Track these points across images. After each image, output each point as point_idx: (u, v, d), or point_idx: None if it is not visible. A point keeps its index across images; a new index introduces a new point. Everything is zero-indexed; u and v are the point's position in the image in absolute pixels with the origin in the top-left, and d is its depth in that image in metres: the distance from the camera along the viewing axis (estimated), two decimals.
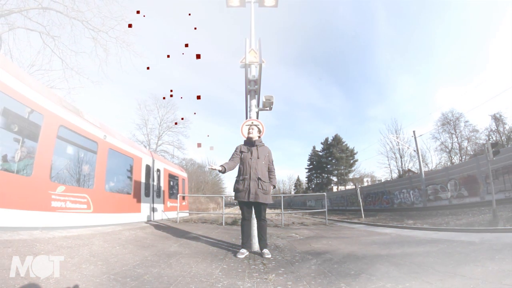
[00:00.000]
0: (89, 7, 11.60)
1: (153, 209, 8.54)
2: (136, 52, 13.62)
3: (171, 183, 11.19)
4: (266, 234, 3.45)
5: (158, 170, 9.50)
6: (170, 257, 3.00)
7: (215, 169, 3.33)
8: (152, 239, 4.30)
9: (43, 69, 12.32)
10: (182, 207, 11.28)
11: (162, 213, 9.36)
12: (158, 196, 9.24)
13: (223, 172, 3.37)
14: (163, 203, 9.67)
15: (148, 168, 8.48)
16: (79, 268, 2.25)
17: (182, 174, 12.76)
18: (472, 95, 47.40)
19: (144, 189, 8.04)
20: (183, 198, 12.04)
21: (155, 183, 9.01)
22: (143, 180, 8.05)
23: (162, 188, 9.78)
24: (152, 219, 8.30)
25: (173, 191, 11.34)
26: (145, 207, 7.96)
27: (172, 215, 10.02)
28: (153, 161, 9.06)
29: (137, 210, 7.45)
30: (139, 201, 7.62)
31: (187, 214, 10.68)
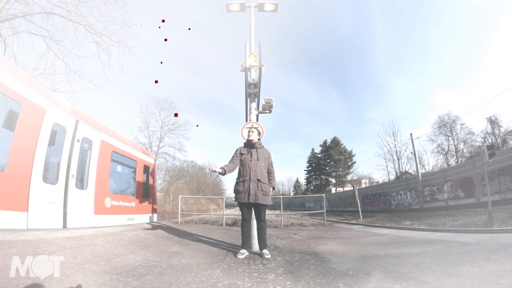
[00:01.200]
0: (92, 12, 11.71)
1: (66, 208, 4.83)
2: (138, 56, 13.69)
3: (120, 168, 7.01)
4: (265, 234, 3.49)
5: (87, 141, 5.55)
6: (172, 257, 3.03)
7: (215, 171, 3.36)
8: (154, 240, 4.32)
9: (47, 73, 12.48)
10: (145, 209, 7.82)
11: (92, 217, 5.50)
12: (82, 185, 5.33)
13: (223, 174, 3.41)
14: (95, 199, 5.66)
15: (58, 132, 4.82)
16: (82, 268, 2.27)
17: (145, 158, 8.28)
18: (469, 98, 47.90)
19: (44, 169, 4.51)
20: (147, 195, 8.06)
21: (75, 162, 5.12)
22: (40, 150, 4.45)
23: (94, 174, 5.67)
24: (63, 225, 4.70)
25: (124, 182, 7.24)
26: (42, 202, 4.40)
27: (119, 220, 6.39)
28: (76, 123, 5.22)
29: (18, 207, 4.01)
30: (24, 189, 4.14)
31: (154, 219, 7.56)
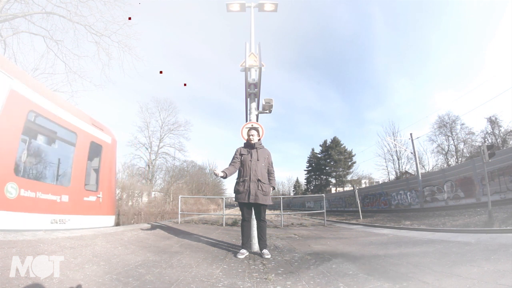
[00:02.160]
0: (92, 11, 11.72)
1: None
2: (138, 56, 13.72)
3: (43, 140, 4.79)
4: (265, 234, 3.50)
5: None
6: (172, 257, 3.03)
7: (218, 175, 3.37)
8: (154, 240, 4.32)
9: (47, 73, 12.44)
10: (90, 207, 5.40)
11: None
12: None
13: (225, 178, 3.42)
14: None
15: None
16: (82, 268, 2.27)
17: (94, 132, 5.83)
18: (469, 98, 48.11)
19: None
20: (95, 187, 5.78)
21: None
22: None
23: None
24: None
25: (51, 163, 4.91)
26: None
27: (34, 222, 4.10)
28: None
29: None
30: None
31: (108, 223, 5.71)
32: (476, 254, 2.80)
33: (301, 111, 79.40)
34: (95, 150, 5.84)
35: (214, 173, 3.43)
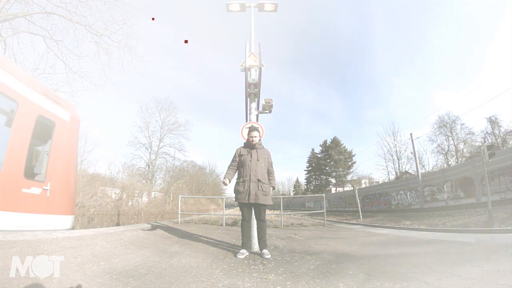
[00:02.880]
0: (92, 12, 11.75)
1: None
2: (138, 56, 13.71)
3: None
4: (265, 234, 3.50)
5: None
6: (172, 257, 3.03)
7: (226, 184, 3.44)
8: (154, 240, 4.32)
9: (47, 73, 12.44)
10: (30, 203, 4.02)
11: None
12: None
13: (228, 184, 3.47)
14: None
15: None
16: (82, 268, 2.27)
17: (45, 105, 4.46)
18: (469, 98, 48.19)
19: None
20: (42, 176, 4.39)
21: None
22: None
23: None
24: None
25: None
26: None
27: None
28: None
29: None
30: None
31: (62, 225, 4.52)
32: (476, 254, 2.80)
33: (301, 111, 79.42)
34: (45, 127, 4.49)
35: (223, 182, 3.50)
